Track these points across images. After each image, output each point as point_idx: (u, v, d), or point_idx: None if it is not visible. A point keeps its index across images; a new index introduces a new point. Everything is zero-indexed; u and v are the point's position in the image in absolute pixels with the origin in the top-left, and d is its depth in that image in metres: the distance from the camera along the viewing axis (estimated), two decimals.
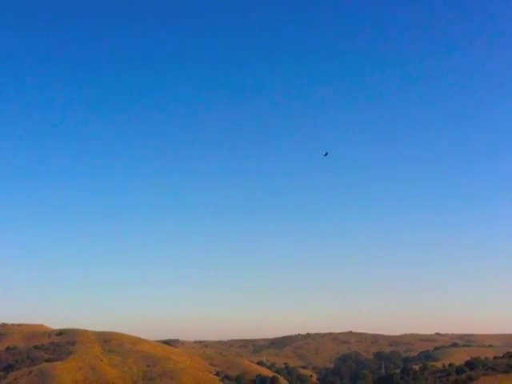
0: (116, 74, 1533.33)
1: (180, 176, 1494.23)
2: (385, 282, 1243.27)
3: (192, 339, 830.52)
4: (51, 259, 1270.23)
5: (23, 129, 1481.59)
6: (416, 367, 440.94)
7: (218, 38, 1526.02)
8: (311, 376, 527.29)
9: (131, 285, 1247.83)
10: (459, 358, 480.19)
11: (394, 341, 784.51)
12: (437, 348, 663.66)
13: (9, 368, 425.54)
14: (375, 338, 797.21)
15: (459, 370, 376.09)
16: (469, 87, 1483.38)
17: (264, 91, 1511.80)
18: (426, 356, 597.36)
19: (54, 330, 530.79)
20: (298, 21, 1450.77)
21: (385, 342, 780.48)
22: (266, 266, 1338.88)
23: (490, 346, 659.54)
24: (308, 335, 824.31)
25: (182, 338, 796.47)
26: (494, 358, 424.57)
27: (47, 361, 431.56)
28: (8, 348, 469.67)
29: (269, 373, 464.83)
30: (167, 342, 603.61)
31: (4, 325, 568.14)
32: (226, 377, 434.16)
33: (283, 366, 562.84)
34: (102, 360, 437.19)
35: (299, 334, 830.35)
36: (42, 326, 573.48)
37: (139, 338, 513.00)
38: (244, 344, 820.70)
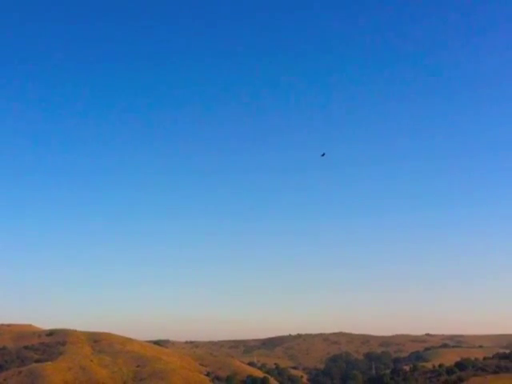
0: (116, 74, 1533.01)
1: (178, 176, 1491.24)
2: (375, 282, 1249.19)
3: (182, 339, 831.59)
4: (41, 259, 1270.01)
5: (23, 129, 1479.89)
6: (406, 368, 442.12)
7: (218, 37, 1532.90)
8: (302, 376, 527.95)
9: (121, 285, 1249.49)
10: (449, 358, 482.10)
11: (385, 341, 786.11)
12: (427, 349, 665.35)
13: None
14: (366, 339, 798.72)
15: (449, 371, 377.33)
16: (469, 86, 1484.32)
17: (264, 91, 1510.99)
18: (417, 356, 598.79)
19: (43, 331, 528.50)
20: (297, 21, 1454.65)
21: (375, 342, 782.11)
22: (258, 266, 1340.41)
23: (480, 346, 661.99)
24: (299, 336, 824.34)
25: (172, 338, 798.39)
26: (484, 358, 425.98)
27: (37, 361, 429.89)
28: None
29: (259, 373, 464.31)
30: (157, 343, 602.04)
31: None
32: (217, 377, 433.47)
33: (274, 367, 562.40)
34: (92, 360, 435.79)
35: (290, 335, 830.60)
36: (31, 326, 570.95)
37: (129, 339, 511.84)
38: (235, 344, 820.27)
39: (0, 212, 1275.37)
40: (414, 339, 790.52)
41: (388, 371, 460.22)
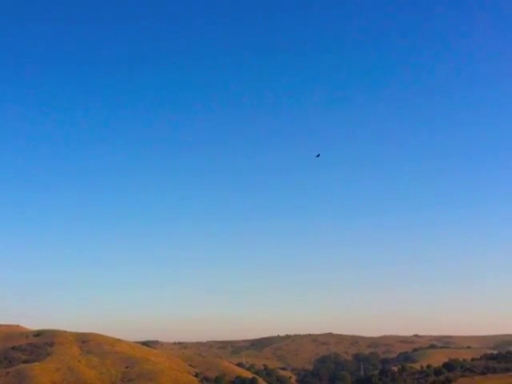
0: (115, 74, 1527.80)
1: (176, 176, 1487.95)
2: (364, 284, 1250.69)
3: (171, 340, 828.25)
4: (28, 260, 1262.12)
5: (23, 129, 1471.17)
6: (394, 368, 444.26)
7: (217, 38, 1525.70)
8: (290, 377, 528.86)
9: (110, 286, 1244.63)
10: (437, 359, 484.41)
11: (373, 342, 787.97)
12: (415, 349, 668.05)
13: None
14: (354, 340, 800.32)
15: (437, 372, 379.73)
16: (469, 86, 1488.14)
17: (263, 91, 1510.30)
18: (405, 357, 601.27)
19: (31, 331, 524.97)
20: (296, 21, 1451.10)
21: (364, 343, 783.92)
22: (246, 267, 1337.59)
23: (468, 347, 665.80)
24: (287, 336, 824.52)
25: (161, 339, 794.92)
26: (472, 359, 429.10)
27: (25, 362, 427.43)
28: None
29: (248, 374, 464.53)
30: (146, 343, 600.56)
31: None
32: (205, 378, 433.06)
33: (262, 368, 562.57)
34: (80, 361, 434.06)
35: (278, 336, 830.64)
36: (19, 326, 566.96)
37: (118, 339, 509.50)
38: (223, 345, 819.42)
39: None
40: (403, 340, 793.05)
41: (376, 372, 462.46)
